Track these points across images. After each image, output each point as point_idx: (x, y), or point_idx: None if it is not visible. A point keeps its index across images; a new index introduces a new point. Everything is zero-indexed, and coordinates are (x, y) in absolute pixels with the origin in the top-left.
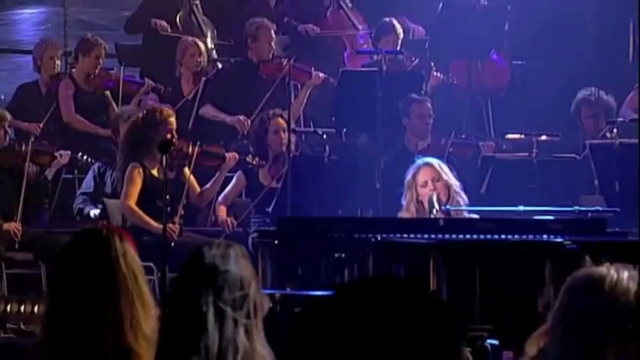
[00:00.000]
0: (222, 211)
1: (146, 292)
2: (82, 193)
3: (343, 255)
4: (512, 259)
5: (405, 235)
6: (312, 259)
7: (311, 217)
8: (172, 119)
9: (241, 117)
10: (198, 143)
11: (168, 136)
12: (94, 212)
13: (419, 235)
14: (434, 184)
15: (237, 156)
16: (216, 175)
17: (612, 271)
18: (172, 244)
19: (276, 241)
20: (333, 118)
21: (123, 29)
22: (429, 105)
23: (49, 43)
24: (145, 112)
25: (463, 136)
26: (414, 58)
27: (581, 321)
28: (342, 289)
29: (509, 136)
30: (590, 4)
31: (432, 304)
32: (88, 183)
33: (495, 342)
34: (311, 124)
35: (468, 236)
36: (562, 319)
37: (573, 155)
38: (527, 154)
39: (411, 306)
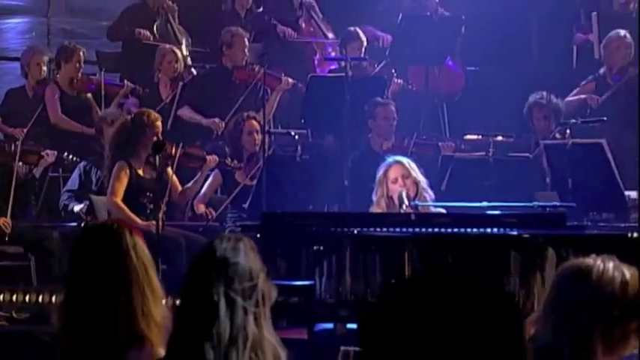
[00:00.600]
0: (200, 207)
1: (156, 282)
2: (67, 191)
3: (322, 248)
4: (481, 251)
5: (379, 229)
6: (293, 252)
7: (292, 212)
8: (159, 123)
9: (216, 119)
10: (181, 145)
11: (154, 138)
12: (78, 208)
13: (391, 229)
14: (404, 180)
15: (217, 158)
16: (198, 176)
17: (599, 262)
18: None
19: (258, 235)
20: (302, 121)
21: (106, 37)
22: (392, 108)
23: (35, 51)
24: (133, 114)
25: (424, 137)
26: (376, 65)
27: (570, 308)
28: (414, 281)
29: (468, 136)
30: (536, 15)
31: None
32: (74, 181)
33: None
34: (279, 126)
35: (437, 230)
36: (552, 307)
37: (526, 154)
38: (483, 153)
39: (484, 301)
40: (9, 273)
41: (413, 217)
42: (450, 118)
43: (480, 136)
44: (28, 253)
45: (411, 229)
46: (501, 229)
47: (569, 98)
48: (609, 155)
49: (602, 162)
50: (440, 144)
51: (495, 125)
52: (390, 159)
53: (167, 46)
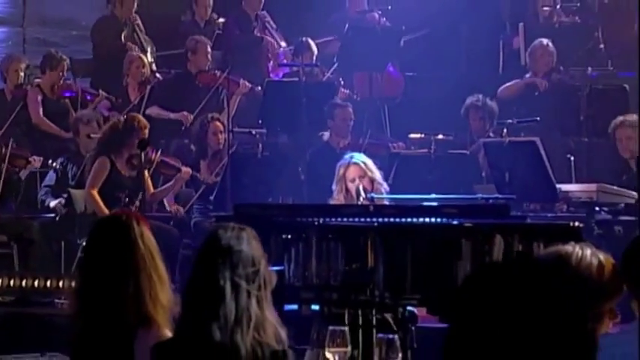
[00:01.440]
0: (171, 203)
1: (161, 268)
2: (45, 186)
3: (290, 236)
4: (436, 239)
5: (341, 219)
6: (263, 240)
7: (262, 203)
8: (146, 130)
9: (185, 112)
10: (160, 151)
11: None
12: (54, 203)
13: (352, 219)
14: (361, 180)
15: (191, 171)
16: (171, 182)
17: (577, 249)
18: None
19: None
20: (260, 121)
21: (75, 44)
22: (350, 110)
23: (14, 58)
24: (125, 117)
25: (377, 136)
26: (326, 71)
27: None
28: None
29: (412, 135)
30: (465, 26)
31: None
32: (50, 177)
33: (413, 309)
34: (236, 126)
35: (393, 219)
36: None
37: (464, 151)
38: (426, 150)
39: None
40: None
41: (371, 208)
42: (391, 119)
43: (423, 135)
44: (11, 242)
45: (370, 219)
46: (452, 219)
47: (514, 82)
48: (542, 152)
49: (536, 158)
50: (390, 144)
51: (432, 125)
52: (348, 157)
53: (134, 53)
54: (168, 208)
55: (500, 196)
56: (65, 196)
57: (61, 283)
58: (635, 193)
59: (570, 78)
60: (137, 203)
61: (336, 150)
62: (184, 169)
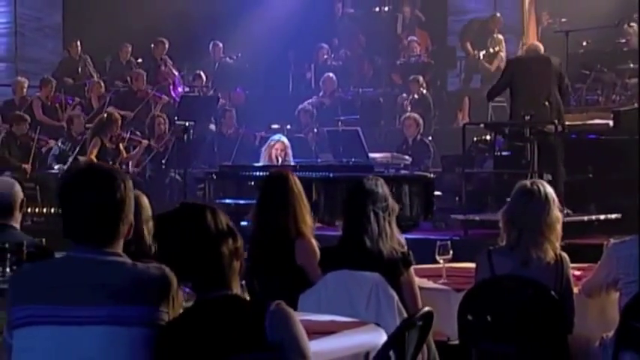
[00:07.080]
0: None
1: (306, 201)
2: (52, 155)
3: (252, 183)
4: (348, 184)
5: None
6: (240, 184)
7: (236, 164)
8: (119, 121)
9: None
10: (130, 131)
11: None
12: (57, 166)
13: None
14: (285, 150)
15: (147, 142)
16: (136, 150)
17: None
18: None
19: (214, 176)
20: (176, 118)
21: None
22: (233, 113)
23: (18, 81)
24: (107, 114)
25: (251, 127)
26: (212, 90)
27: None
28: None
29: (273, 126)
30: (263, 67)
31: None
32: (55, 151)
33: None
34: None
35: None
36: None
37: (302, 135)
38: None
39: None
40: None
41: (298, 167)
42: (239, 117)
43: (279, 126)
44: (36, 186)
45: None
46: (342, 173)
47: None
48: (361, 135)
49: (358, 139)
50: (256, 134)
51: (264, 121)
52: (277, 137)
53: (95, 79)
54: (131, 169)
55: (354, 159)
56: (70, 160)
57: None
58: (408, 157)
59: (346, 95)
60: (117, 166)
61: (225, 135)
62: (144, 141)
